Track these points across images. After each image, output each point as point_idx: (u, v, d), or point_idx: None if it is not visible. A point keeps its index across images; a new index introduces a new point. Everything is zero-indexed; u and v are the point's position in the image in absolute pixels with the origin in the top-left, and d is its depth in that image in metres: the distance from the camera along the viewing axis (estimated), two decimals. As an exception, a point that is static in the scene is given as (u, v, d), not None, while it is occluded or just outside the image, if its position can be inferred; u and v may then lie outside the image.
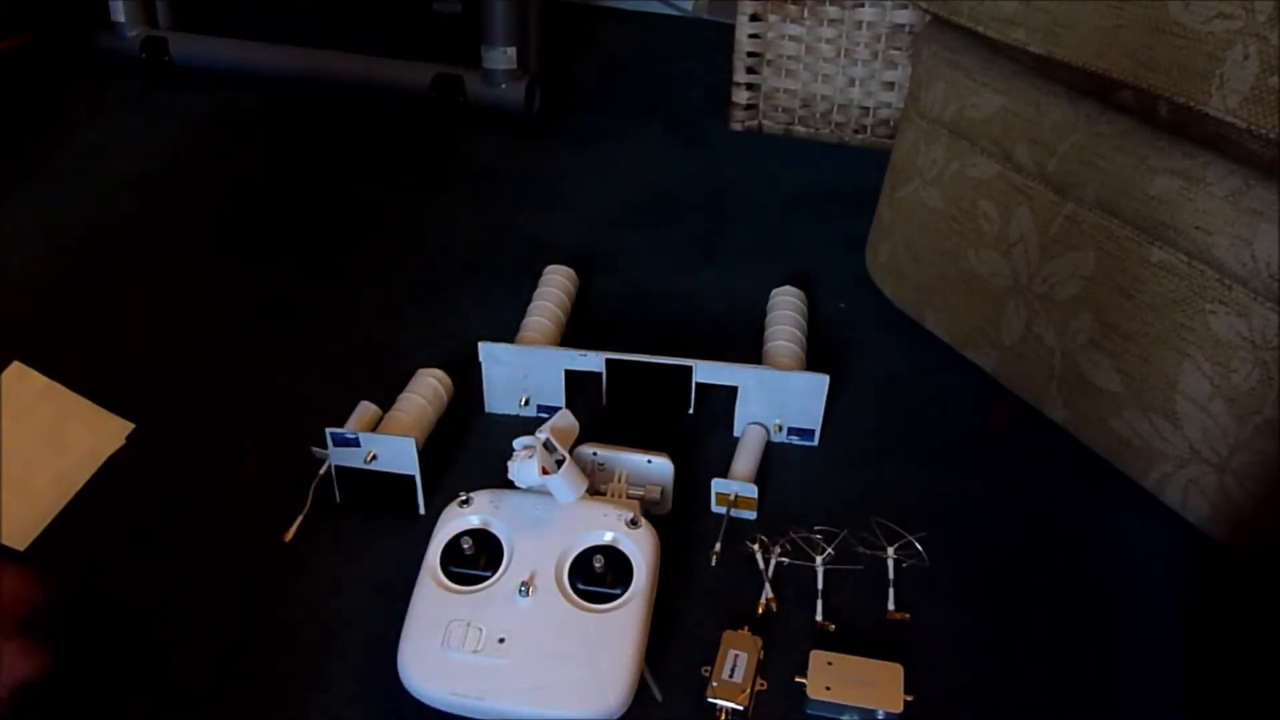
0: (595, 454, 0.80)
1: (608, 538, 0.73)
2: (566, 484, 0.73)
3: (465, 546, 0.72)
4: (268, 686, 0.69)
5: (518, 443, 0.74)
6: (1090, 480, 0.87)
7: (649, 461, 0.80)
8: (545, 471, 0.72)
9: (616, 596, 0.70)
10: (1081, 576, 0.79)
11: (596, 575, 0.71)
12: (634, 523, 0.74)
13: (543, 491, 0.74)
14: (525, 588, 0.70)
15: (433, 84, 1.45)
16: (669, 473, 0.80)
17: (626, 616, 0.69)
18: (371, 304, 1.08)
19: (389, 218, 1.24)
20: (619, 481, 0.79)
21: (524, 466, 0.72)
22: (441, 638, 0.67)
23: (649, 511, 0.77)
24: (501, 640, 0.67)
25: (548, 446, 0.73)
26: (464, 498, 0.76)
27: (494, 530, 0.74)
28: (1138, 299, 0.79)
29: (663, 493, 0.80)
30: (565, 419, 0.76)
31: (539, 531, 0.73)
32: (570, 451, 0.74)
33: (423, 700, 0.66)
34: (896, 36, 1.30)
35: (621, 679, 0.66)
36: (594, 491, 0.77)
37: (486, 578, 0.71)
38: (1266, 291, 0.71)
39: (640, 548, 0.73)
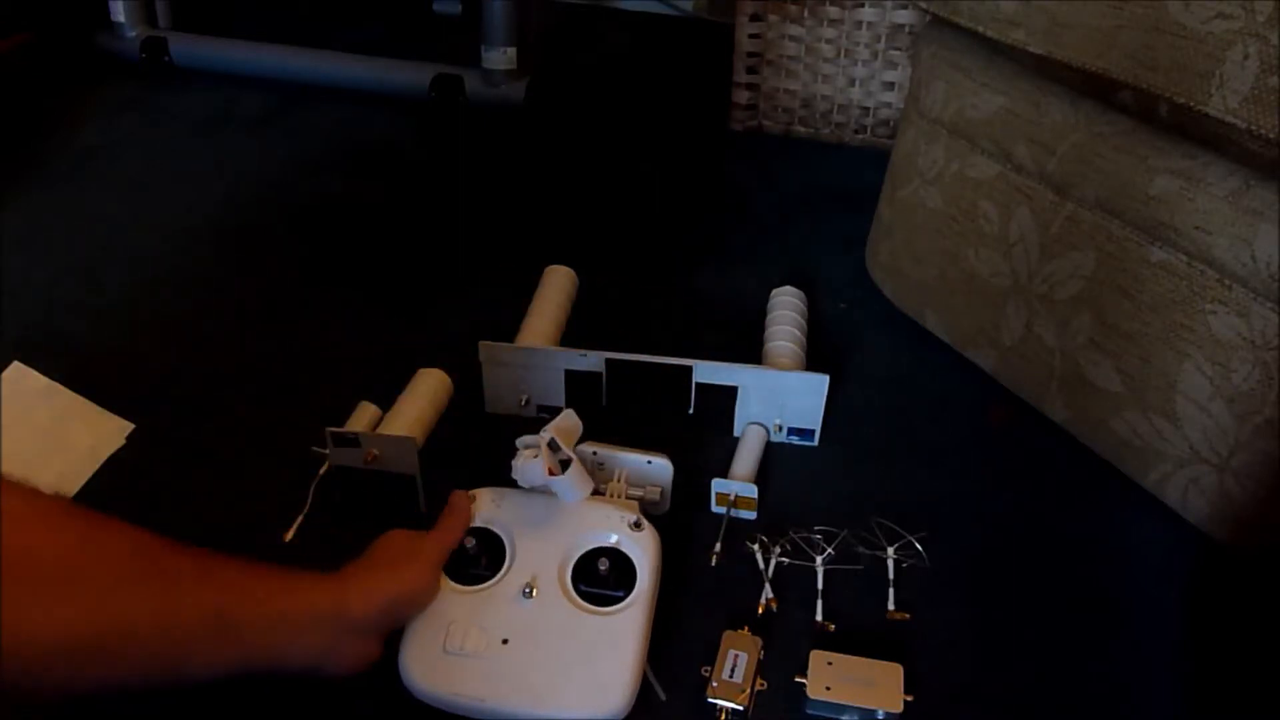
0: (595, 453, 0.80)
1: (612, 540, 0.73)
2: (572, 484, 0.73)
3: (468, 545, 0.72)
4: (270, 687, 0.69)
5: (520, 442, 0.74)
6: (1090, 480, 0.87)
7: (649, 462, 0.79)
8: (552, 472, 0.72)
9: (619, 599, 0.70)
10: (1081, 576, 0.79)
11: (600, 578, 0.71)
12: (637, 525, 0.73)
13: (545, 491, 0.74)
14: (529, 589, 0.70)
15: (433, 84, 1.45)
16: (668, 474, 0.80)
17: (629, 619, 0.69)
18: (372, 304, 1.08)
19: (389, 218, 1.24)
20: (618, 481, 0.79)
21: (529, 466, 0.72)
22: (443, 638, 0.67)
23: (647, 511, 0.77)
24: (505, 641, 0.67)
25: (552, 446, 0.72)
26: (467, 495, 0.75)
27: (496, 530, 0.74)
28: (1138, 299, 0.79)
29: (662, 493, 0.80)
30: (569, 419, 0.75)
31: (542, 532, 0.73)
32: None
33: (425, 701, 0.66)
34: (896, 36, 1.30)
35: (625, 681, 0.66)
36: (593, 491, 0.77)
37: (488, 577, 0.71)
38: (1266, 291, 0.71)
39: (643, 550, 0.72)
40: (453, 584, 0.71)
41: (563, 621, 0.68)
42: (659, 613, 0.72)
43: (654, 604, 0.71)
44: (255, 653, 0.60)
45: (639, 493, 0.79)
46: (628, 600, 0.70)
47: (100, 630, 0.53)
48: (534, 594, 0.70)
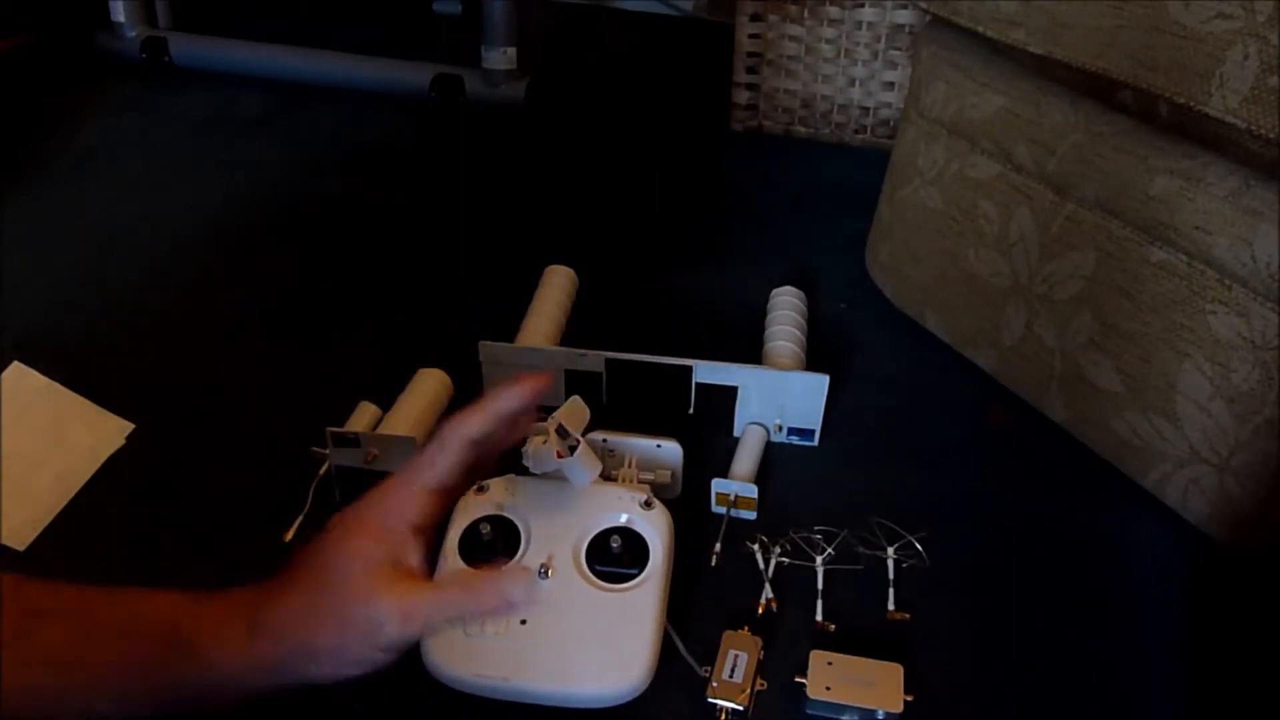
0: (604, 440, 0.81)
1: (623, 519, 0.74)
2: (582, 467, 0.73)
3: (484, 532, 0.72)
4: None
5: (531, 429, 0.74)
6: (1090, 480, 0.87)
7: (658, 446, 0.80)
8: (560, 456, 0.72)
9: (633, 575, 0.71)
10: (1081, 576, 0.79)
11: (613, 556, 0.72)
12: (647, 504, 0.74)
13: (557, 477, 0.74)
14: (545, 570, 0.70)
15: (433, 84, 1.45)
16: (678, 457, 0.81)
17: (645, 594, 0.70)
18: (372, 304, 1.08)
19: (388, 218, 1.24)
20: (629, 467, 0.80)
21: (539, 452, 0.73)
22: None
23: (659, 495, 0.78)
24: (524, 622, 0.68)
25: (560, 432, 0.73)
26: (480, 485, 0.76)
27: (510, 515, 0.74)
28: (1138, 299, 0.79)
29: (672, 476, 0.81)
30: (575, 405, 0.76)
31: (555, 515, 0.74)
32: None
33: (447, 683, 0.67)
34: (896, 36, 1.30)
35: (643, 655, 0.67)
36: (604, 477, 0.78)
37: (504, 562, 0.72)
38: (1266, 291, 0.71)
39: (655, 528, 0.73)
40: (470, 570, 0.71)
41: (579, 599, 0.69)
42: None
43: (668, 580, 0.72)
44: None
45: (650, 477, 0.80)
46: (641, 576, 0.71)
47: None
48: (550, 574, 0.70)
